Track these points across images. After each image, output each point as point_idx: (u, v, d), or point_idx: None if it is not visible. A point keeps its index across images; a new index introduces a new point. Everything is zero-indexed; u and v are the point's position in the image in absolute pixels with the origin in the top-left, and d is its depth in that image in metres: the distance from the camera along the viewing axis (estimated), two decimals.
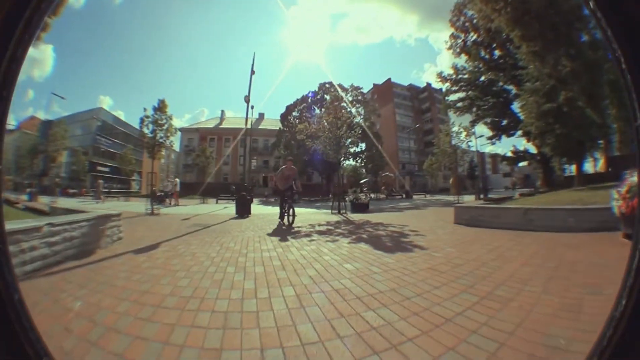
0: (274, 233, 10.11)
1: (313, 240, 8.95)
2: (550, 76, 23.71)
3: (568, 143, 24.78)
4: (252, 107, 24.13)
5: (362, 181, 36.48)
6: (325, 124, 20.67)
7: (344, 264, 6.02)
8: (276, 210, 15.73)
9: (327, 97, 26.25)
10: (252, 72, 22.44)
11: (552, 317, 3.43)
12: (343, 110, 21.80)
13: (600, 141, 28.44)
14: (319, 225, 12.31)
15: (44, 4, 1.42)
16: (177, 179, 30.11)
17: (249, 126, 24.09)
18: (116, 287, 4.66)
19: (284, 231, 10.54)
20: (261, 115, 62.67)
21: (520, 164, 43.63)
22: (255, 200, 24.63)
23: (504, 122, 38.43)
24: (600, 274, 4.89)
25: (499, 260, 6.15)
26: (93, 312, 3.72)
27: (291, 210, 12.83)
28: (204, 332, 3.21)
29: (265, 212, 18.46)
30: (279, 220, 13.39)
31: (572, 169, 29.05)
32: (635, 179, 6.55)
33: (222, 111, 64.46)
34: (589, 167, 31.44)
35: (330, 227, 11.58)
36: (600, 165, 31.22)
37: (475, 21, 35.32)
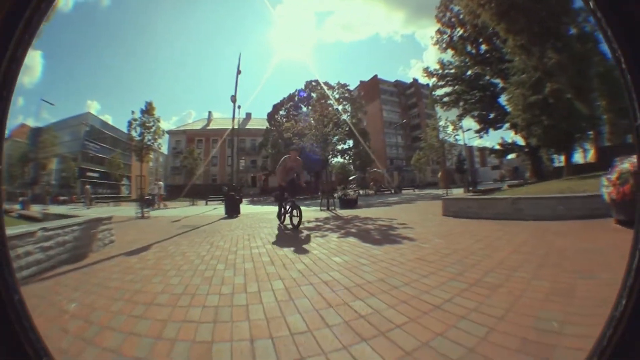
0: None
1: (302, 236, 9.01)
2: (536, 69, 24.00)
3: (555, 134, 25.09)
4: (239, 107, 24.22)
5: (351, 178, 36.54)
6: (312, 121, 20.74)
7: (332, 257, 6.07)
8: (266, 209, 15.73)
9: (314, 95, 26.34)
10: (239, 71, 22.55)
11: (543, 302, 3.48)
12: (329, 108, 21.89)
13: (590, 132, 28.65)
14: (308, 221, 12.10)
15: (44, 4, 1.43)
16: (161, 182, 30.04)
17: (236, 126, 24.06)
18: (110, 288, 4.74)
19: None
20: (248, 115, 62.10)
21: (509, 157, 43.81)
22: (244, 201, 24.66)
23: (491, 116, 38.63)
24: (592, 260, 4.93)
25: (487, 249, 6.18)
26: (88, 312, 3.80)
27: (295, 210, 10.75)
28: (195, 326, 3.27)
29: (254, 212, 18.51)
30: (279, 222, 11.70)
31: (562, 159, 29.31)
32: (626, 165, 6.84)
33: (210, 112, 63.69)
34: (579, 157, 31.63)
35: (319, 223, 11.51)
36: (591, 155, 31.42)
37: (461, 16, 35.55)
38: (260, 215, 15.59)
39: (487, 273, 4.60)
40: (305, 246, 7.40)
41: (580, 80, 22.43)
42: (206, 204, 28.56)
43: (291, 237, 8.91)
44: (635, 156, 6.79)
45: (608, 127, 29.08)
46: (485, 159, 66.31)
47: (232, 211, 16.64)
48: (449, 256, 5.78)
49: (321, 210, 17.19)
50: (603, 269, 4.30)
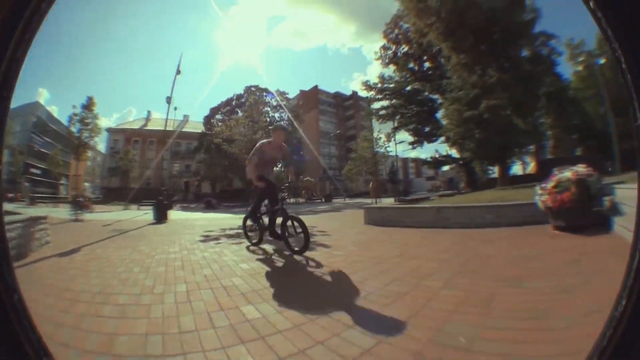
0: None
1: (219, 242, 9.33)
2: (475, 86, 24.86)
3: (489, 148, 25.88)
4: (176, 109, 24.05)
5: (282, 186, 36.91)
6: (243, 128, 20.69)
7: (240, 264, 6.43)
8: (195, 215, 15.88)
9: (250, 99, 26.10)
10: (178, 72, 22.27)
11: (450, 313, 3.47)
12: (262, 115, 21.90)
13: (531, 147, 30.24)
14: (230, 229, 12.06)
15: (44, 4, 1.50)
16: (87, 184, 29.14)
17: (170, 128, 23.95)
18: (45, 285, 5.35)
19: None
20: (186, 117, 60.21)
21: (444, 168, 44.89)
22: (175, 206, 24.44)
23: (427, 129, 39.54)
24: (523, 267, 4.98)
25: (402, 257, 6.39)
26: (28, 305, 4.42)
27: (295, 223, 7.11)
28: (105, 320, 3.77)
29: (182, 218, 18.80)
30: (251, 244, 8.43)
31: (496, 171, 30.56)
32: (566, 174, 7.40)
33: (149, 112, 60.81)
34: (518, 169, 33.13)
35: (240, 231, 9.89)
36: (531, 167, 32.88)
37: (409, 34, 36.47)
38: (187, 222, 15.88)
39: (392, 281, 4.71)
40: (218, 253, 7.80)
41: (526, 98, 23.69)
42: (138, 208, 27.87)
43: (208, 244, 9.05)
44: (580, 165, 7.55)
45: (553, 142, 30.63)
46: (420, 170, 67.36)
47: (161, 217, 16.86)
48: (358, 263, 6.00)
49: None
50: (536, 276, 4.38)
